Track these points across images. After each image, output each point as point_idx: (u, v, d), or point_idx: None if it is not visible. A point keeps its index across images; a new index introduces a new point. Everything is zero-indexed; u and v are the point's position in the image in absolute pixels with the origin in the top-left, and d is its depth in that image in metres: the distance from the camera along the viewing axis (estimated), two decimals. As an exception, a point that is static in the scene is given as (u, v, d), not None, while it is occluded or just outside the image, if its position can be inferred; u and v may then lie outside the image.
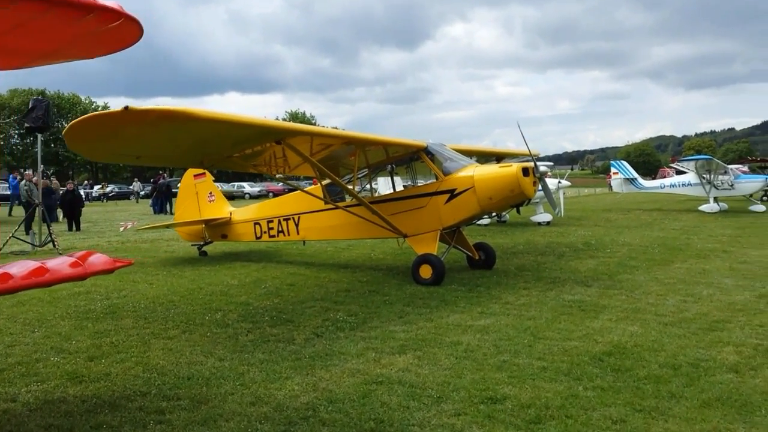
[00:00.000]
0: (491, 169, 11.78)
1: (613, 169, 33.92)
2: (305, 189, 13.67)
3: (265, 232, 14.40)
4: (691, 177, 29.68)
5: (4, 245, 16.41)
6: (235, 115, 8.15)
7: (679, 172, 32.45)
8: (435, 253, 11.71)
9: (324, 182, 13.50)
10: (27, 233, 22.46)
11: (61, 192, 26.78)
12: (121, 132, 7.43)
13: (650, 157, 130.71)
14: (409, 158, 12.62)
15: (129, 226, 17.12)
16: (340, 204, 12.38)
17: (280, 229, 14.11)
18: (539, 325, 8.34)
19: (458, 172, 11.93)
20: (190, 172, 15.61)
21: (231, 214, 15.14)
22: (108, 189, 66.20)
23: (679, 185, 30.92)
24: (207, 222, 15.29)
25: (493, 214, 24.91)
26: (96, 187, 67.22)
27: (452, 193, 11.88)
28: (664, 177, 43.69)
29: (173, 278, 12.35)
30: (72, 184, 24.67)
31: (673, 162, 43.57)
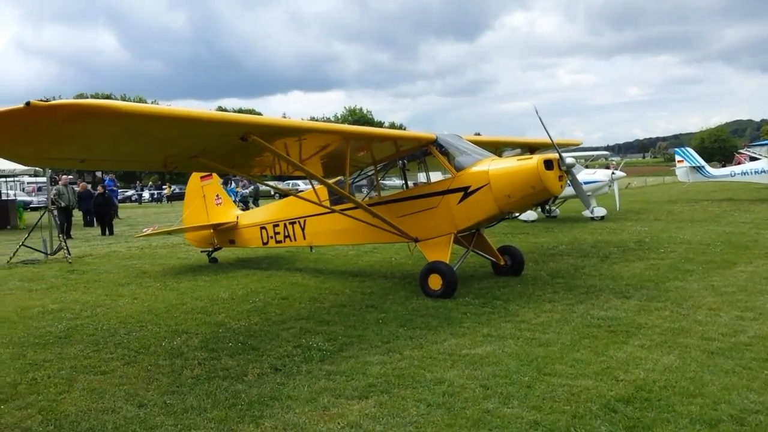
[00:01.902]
0: (509, 163, 10.17)
1: (678, 157, 31.28)
2: (298, 194, 12.42)
3: (271, 237, 13.21)
4: (764, 164, 26.88)
5: (14, 254, 15.84)
6: (170, 109, 6.89)
7: (753, 159, 29.58)
8: (447, 260, 10.22)
9: (330, 181, 12.26)
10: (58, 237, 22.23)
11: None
12: (39, 132, 6.32)
13: (726, 143, 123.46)
14: (420, 153, 11.13)
15: (147, 231, 16.38)
16: (336, 207, 11.01)
17: (286, 233, 12.89)
18: (550, 355, 6.77)
19: (472, 167, 10.38)
20: (196, 174, 14.59)
21: (238, 218, 14.03)
22: (169, 190, 66.79)
23: (751, 173, 28.11)
24: (215, 227, 14.23)
25: (539, 209, 23.19)
26: (164, 189, 67.86)
27: (466, 192, 10.34)
28: (739, 163, 40.41)
29: (163, 291, 11.30)
30: (102, 187, 24.23)
31: (744, 147, 40.15)
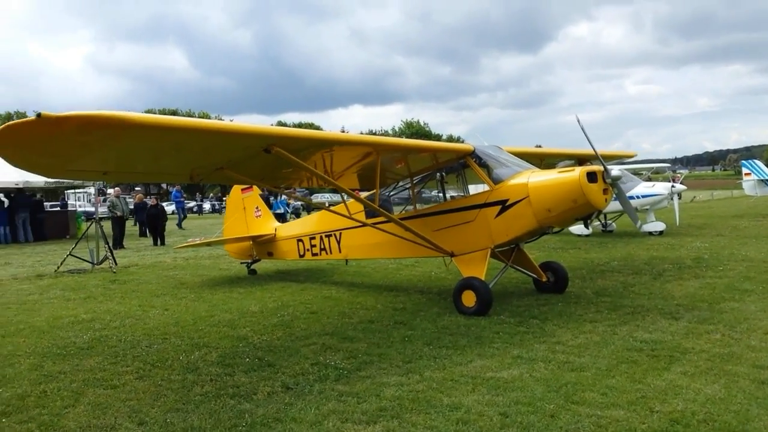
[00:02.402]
0: (550, 175, 9.65)
1: (744, 170, 29.73)
2: (329, 207, 12.18)
3: (308, 250, 13.00)
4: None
5: (61, 264, 16.16)
6: (184, 120, 6.70)
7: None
8: (482, 277, 9.76)
9: (365, 194, 11.99)
10: (115, 248, 22.71)
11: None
12: (54, 144, 6.25)
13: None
14: (459, 165, 10.71)
15: (186, 243, 16.49)
16: (369, 221, 10.69)
17: (322, 246, 12.65)
18: (583, 381, 6.26)
19: (511, 179, 9.90)
20: (237, 186, 14.56)
21: (276, 230, 13.90)
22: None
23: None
24: (254, 238, 14.14)
25: (596, 222, 22.30)
26: (224, 200, 69.22)
27: (504, 205, 9.86)
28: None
29: (195, 303, 11.21)
30: (155, 199, 24.67)
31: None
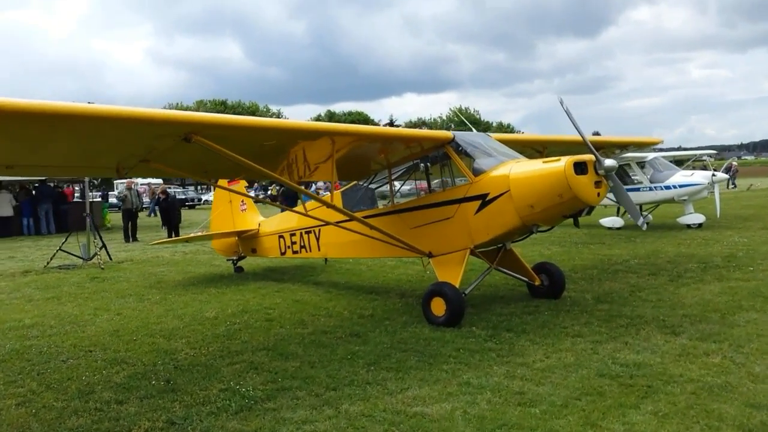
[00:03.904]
0: (533, 166, 8.38)
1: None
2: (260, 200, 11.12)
3: (288, 247, 12.03)
4: None
5: (51, 259, 15.68)
6: (70, 105, 5.71)
7: None
8: (456, 282, 8.60)
9: (346, 187, 10.97)
10: (126, 240, 22.34)
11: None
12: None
13: None
14: (440, 155, 9.51)
15: (167, 239, 15.91)
16: (339, 217, 9.55)
17: (302, 243, 11.66)
18: (525, 421, 5.08)
19: (492, 170, 8.66)
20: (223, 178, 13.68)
21: (259, 225, 12.99)
22: (274, 190, 67.57)
23: None
24: (240, 234, 13.27)
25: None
26: (269, 189, 69.00)
27: (484, 200, 8.65)
28: None
29: (154, 306, 10.39)
30: (164, 192, 24.15)
31: None
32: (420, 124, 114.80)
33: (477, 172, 8.79)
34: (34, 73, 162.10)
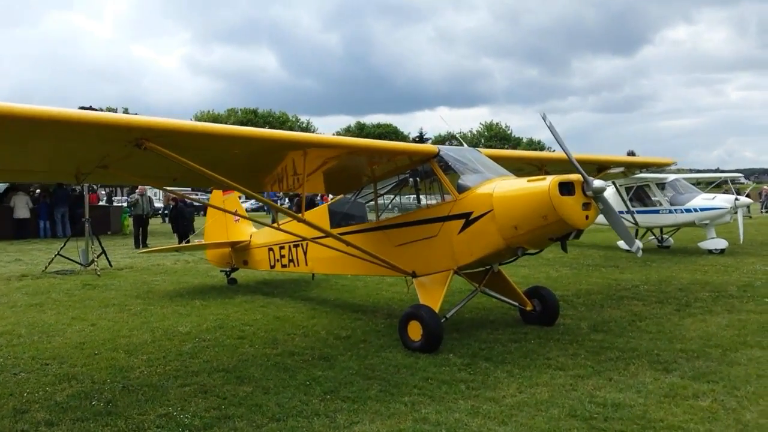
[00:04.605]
0: (517, 184, 7.86)
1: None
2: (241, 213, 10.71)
3: (277, 260, 11.65)
4: None
5: (49, 264, 15.54)
6: (12, 106, 5.39)
7: None
8: (437, 304, 8.10)
9: (335, 198, 10.57)
10: (137, 246, 22.23)
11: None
12: None
13: None
14: (428, 170, 9.03)
15: (158, 247, 15.69)
16: (332, 231, 9.06)
17: (290, 257, 11.26)
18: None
19: (478, 188, 8.17)
20: (217, 186, 13.38)
21: (251, 236, 12.63)
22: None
23: None
24: (233, 245, 12.94)
25: (650, 236, 19.58)
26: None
27: (467, 219, 8.15)
28: None
29: (131, 317, 10.06)
30: (173, 201, 23.99)
31: None
32: (450, 138, 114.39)
33: (461, 189, 8.31)
34: (75, 76, 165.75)
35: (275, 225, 9.62)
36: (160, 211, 38.42)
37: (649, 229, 20.14)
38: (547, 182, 7.38)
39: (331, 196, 11.41)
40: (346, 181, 9.88)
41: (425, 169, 8.95)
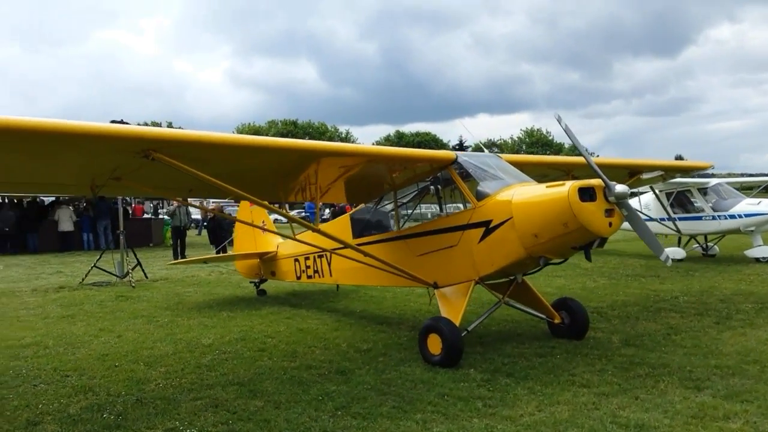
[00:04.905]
0: (536, 191, 7.61)
1: None
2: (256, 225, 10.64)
3: (303, 271, 11.59)
4: None
5: (86, 276, 15.83)
6: (21, 119, 5.44)
7: None
8: (458, 317, 7.89)
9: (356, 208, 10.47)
10: (175, 258, 22.52)
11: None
12: None
13: None
14: (447, 178, 8.85)
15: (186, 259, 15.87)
16: (352, 242, 9.01)
17: (315, 268, 11.19)
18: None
19: (497, 195, 7.93)
20: (246, 197, 13.42)
21: (278, 247, 12.61)
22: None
23: None
24: (261, 255, 12.95)
25: (694, 244, 18.87)
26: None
27: (487, 227, 7.92)
28: None
29: (158, 329, 10.10)
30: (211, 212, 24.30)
31: None
32: (490, 145, 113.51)
33: (481, 196, 8.08)
34: (120, 92, 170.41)
35: (294, 237, 9.56)
36: (199, 223, 38.97)
37: (693, 236, 19.42)
38: (567, 188, 7.11)
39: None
40: (366, 190, 9.77)
41: (445, 176, 8.76)
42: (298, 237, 10.03)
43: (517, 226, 7.49)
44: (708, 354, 7.90)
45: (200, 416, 6.01)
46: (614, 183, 7.10)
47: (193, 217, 32.62)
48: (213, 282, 15.88)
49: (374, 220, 9.92)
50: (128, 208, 32.65)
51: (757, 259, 17.72)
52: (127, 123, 15.33)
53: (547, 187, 7.42)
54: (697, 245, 20.00)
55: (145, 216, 39.60)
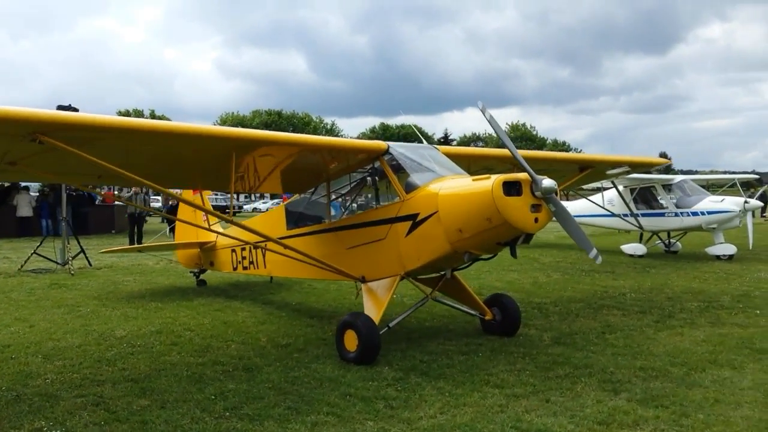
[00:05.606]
0: (462, 184, 7.23)
1: None
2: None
3: (239, 262, 11.16)
4: None
5: (25, 263, 15.28)
6: None
7: None
8: (378, 313, 7.52)
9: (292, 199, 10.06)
10: (131, 244, 21.97)
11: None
12: None
13: None
14: (375, 169, 8.44)
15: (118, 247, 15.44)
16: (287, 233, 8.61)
17: (251, 259, 10.77)
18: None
19: (426, 187, 7.54)
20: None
21: (217, 237, 12.15)
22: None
23: None
24: (201, 245, 12.48)
25: (656, 240, 18.68)
26: None
27: (414, 220, 7.54)
28: None
29: (75, 319, 9.63)
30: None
31: None
32: (475, 139, 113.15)
33: (410, 189, 7.69)
34: (108, 79, 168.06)
35: (223, 232, 9.14)
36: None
37: (655, 233, 19.19)
38: (491, 181, 6.73)
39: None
40: (300, 180, 9.33)
41: (378, 167, 8.35)
42: (231, 229, 9.62)
43: (442, 220, 7.12)
44: (637, 354, 7.59)
45: (75, 415, 5.58)
46: (542, 177, 6.73)
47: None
48: (157, 271, 15.39)
49: (308, 211, 9.51)
50: (94, 194, 31.88)
51: (718, 257, 17.54)
52: (76, 109, 14.78)
53: (473, 180, 7.04)
54: (660, 241, 19.80)
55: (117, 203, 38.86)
